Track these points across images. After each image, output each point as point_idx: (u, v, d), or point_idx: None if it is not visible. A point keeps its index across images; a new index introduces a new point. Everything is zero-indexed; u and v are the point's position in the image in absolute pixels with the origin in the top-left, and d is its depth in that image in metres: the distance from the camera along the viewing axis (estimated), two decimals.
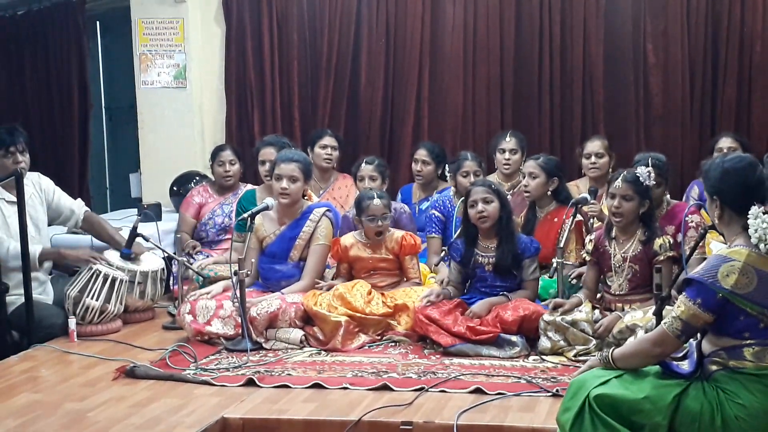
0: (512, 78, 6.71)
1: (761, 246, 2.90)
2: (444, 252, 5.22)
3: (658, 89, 6.47)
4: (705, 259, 3.35)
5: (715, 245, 4.65)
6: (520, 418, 3.53)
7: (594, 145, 5.78)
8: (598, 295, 4.54)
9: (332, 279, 5.08)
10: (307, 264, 4.97)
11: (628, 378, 3.01)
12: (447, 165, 5.83)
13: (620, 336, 4.14)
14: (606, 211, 4.71)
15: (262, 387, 3.99)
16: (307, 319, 4.72)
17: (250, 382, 4.03)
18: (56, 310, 4.98)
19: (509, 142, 5.91)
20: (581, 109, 6.61)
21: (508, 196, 5.44)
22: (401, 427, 3.53)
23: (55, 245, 5.36)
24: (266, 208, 4.96)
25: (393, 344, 4.64)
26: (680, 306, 2.95)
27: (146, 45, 7.12)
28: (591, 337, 4.30)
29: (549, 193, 5.20)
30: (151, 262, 5.27)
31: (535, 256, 4.71)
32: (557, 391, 3.75)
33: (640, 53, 6.48)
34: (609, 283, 4.46)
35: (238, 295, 4.55)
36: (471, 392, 3.82)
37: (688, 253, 3.64)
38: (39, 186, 5.23)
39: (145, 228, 5.36)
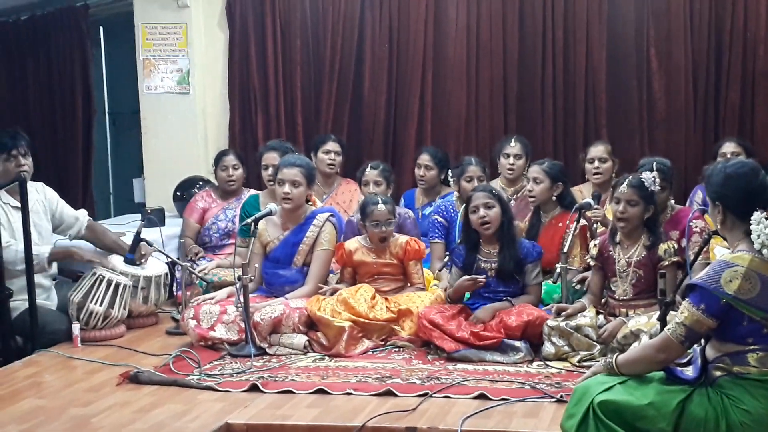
0: (515, 82, 6.71)
1: (764, 251, 2.90)
2: (447, 257, 5.22)
3: (661, 94, 6.47)
4: (709, 264, 3.35)
5: (719, 250, 4.64)
6: (524, 423, 3.52)
7: (597, 150, 5.78)
8: (603, 300, 4.53)
9: (336, 284, 5.08)
10: (311, 269, 4.98)
11: (632, 384, 3.01)
12: (450, 170, 5.83)
13: (624, 341, 4.14)
14: (610, 216, 4.71)
15: (265, 392, 3.99)
16: (311, 324, 4.72)
17: (253, 388, 4.03)
18: (60, 316, 4.98)
19: (514, 147, 5.91)
20: (584, 114, 6.60)
21: (512, 201, 5.46)
22: None
23: None
24: (270, 213, 4.97)
25: (397, 349, 4.64)
26: (684, 312, 2.95)
27: (149, 50, 7.13)
28: (595, 343, 4.30)
29: (553, 198, 5.20)
30: (154, 267, 5.28)
31: (537, 260, 4.71)
32: (561, 396, 3.74)
33: (643, 58, 6.48)
34: (613, 289, 4.45)
35: (242, 300, 4.55)
36: (475, 398, 3.82)
37: (692, 258, 3.64)
38: (44, 195, 5.25)
39: (148, 233, 5.37)
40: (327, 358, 4.54)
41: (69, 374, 4.38)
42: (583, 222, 4.98)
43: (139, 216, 6.35)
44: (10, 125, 6.28)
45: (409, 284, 5.05)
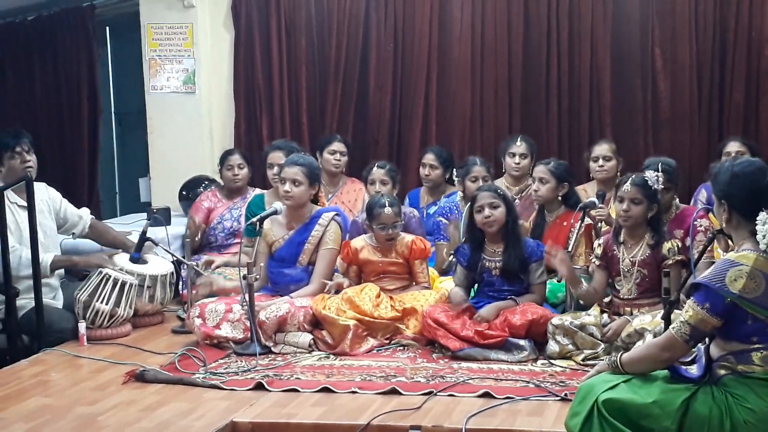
0: (520, 82, 6.72)
1: None
2: (451, 257, 5.23)
3: (665, 93, 6.47)
4: (713, 263, 3.35)
5: None
6: (529, 422, 3.52)
7: (601, 149, 5.79)
8: (607, 299, 4.53)
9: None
10: (316, 268, 4.99)
11: (636, 382, 3.01)
12: (455, 169, 5.84)
13: (629, 340, 4.14)
14: (614, 215, 4.71)
15: (271, 391, 3.99)
16: (316, 323, 4.73)
17: (259, 386, 4.03)
18: (66, 314, 4.99)
19: (520, 146, 5.92)
20: (589, 113, 6.61)
21: (517, 201, 5.46)
22: (410, 431, 3.53)
23: (65, 250, 5.40)
24: (275, 213, 4.98)
25: (401, 348, 4.64)
26: (688, 310, 2.95)
27: (155, 50, 7.15)
28: (599, 341, 4.30)
29: (558, 197, 5.20)
30: (160, 265, 5.29)
31: (541, 259, 4.71)
32: (566, 395, 3.74)
33: (648, 57, 6.48)
34: (618, 288, 4.45)
35: (248, 299, 4.56)
36: (479, 396, 3.82)
37: (696, 257, 3.64)
38: (47, 195, 5.26)
39: (154, 232, 5.38)
40: (332, 356, 4.54)
41: (75, 373, 4.39)
42: (587, 221, 4.99)
43: (145, 215, 6.37)
44: (17, 125, 6.32)
45: (414, 283, 5.05)
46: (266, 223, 4.96)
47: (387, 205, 4.94)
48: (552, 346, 4.36)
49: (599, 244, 4.55)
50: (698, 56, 6.39)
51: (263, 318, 4.62)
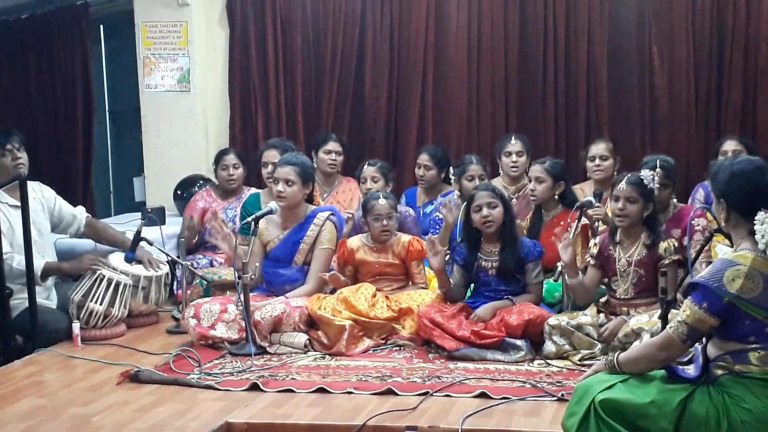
0: (516, 81, 6.70)
1: None
2: (447, 256, 5.21)
3: (663, 91, 6.46)
4: (710, 262, 3.34)
5: (720, 249, 4.64)
6: (525, 422, 3.51)
7: (598, 148, 5.77)
8: (604, 299, 4.53)
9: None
10: (311, 268, 4.97)
11: (633, 382, 3.00)
12: (452, 168, 5.82)
13: (625, 340, 4.13)
14: (611, 214, 4.70)
15: (266, 391, 3.98)
16: (312, 323, 4.72)
17: (254, 387, 4.02)
18: (60, 315, 4.97)
19: (515, 144, 5.91)
20: (586, 112, 6.60)
21: (513, 200, 5.46)
22: (406, 431, 3.52)
23: (59, 250, 5.36)
24: (270, 212, 4.96)
25: (397, 348, 4.63)
26: (686, 310, 2.94)
27: (150, 48, 7.13)
28: (596, 341, 4.30)
29: (555, 197, 5.19)
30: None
31: (538, 259, 4.71)
32: (562, 395, 3.73)
33: (645, 55, 6.47)
34: (614, 288, 4.44)
35: (243, 299, 4.55)
36: (476, 396, 3.81)
37: (693, 256, 3.63)
38: (41, 194, 5.24)
39: (148, 232, 5.36)
40: (328, 356, 4.53)
41: (69, 373, 4.38)
42: (584, 220, 4.98)
43: (139, 215, 6.35)
44: (11, 124, 6.30)
45: (411, 284, 5.04)
46: (261, 222, 4.95)
47: (382, 196, 4.95)
48: (549, 346, 4.35)
49: (595, 244, 4.54)
50: (695, 54, 6.38)
51: (258, 318, 4.61)
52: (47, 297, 5.06)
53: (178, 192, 6.70)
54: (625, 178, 4.38)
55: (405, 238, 5.04)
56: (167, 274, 5.30)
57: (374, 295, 4.80)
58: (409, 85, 6.89)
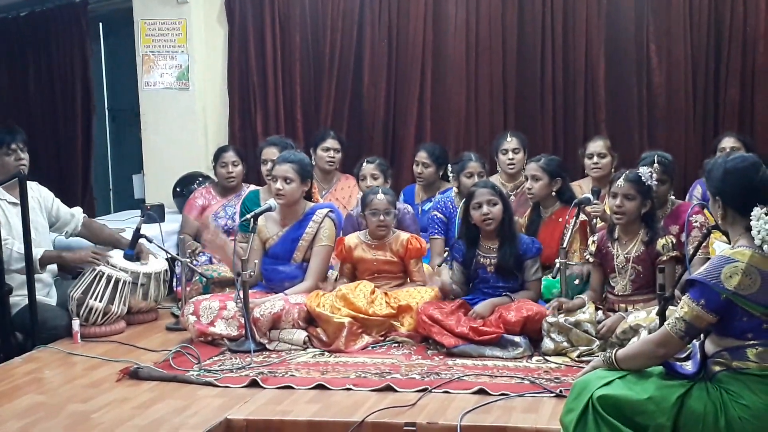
0: (514, 78, 6.71)
1: (765, 247, 2.89)
2: (446, 253, 5.22)
3: (660, 89, 6.46)
4: (708, 259, 3.35)
5: (718, 245, 4.65)
6: (524, 419, 3.52)
7: (596, 146, 5.78)
8: (602, 296, 4.53)
9: (335, 280, 5.08)
10: (311, 265, 4.98)
11: (631, 379, 3.01)
12: (450, 165, 5.83)
13: (623, 336, 4.14)
14: (609, 211, 4.71)
15: (265, 388, 3.99)
16: (311, 320, 4.72)
17: (253, 383, 4.03)
18: (60, 312, 4.98)
19: (511, 141, 5.92)
20: (584, 110, 6.60)
21: (512, 197, 5.46)
22: (404, 428, 3.53)
23: (57, 248, 5.37)
24: (269, 209, 4.97)
25: (396, 345, 4.64)
26: (683, 307, 2.95)
27: (149, 46, 7.13)
28: (594, 338, 4.30)
29: (553, 193, 5.20)
30: (154, 263, 5.28)
31: (536, 256, 4.72)
32: (561, 391, 3.74)
33: (643, 53, 6.48)
34: (612, 284, 4.45)
35: (242, 296, 4.55)
36: (474, 393, 3.82)
37: (691, 253, 3.64)
38: (39, 193, 5.25)
39: (148, 229, 5.37)
40: (327, 353, 4.54)
41: (69, 370, 4.38)
42: (582, 217, 4.99)
43: (138, 212, 6.36)
44: (10, 122, 6.29)
45: (409, 281, 5.05)
46: (260, 219, 4.95)
47: (380, 192, 4.97)
48: (547, 343, 4.36)
49: (593, 241, 4.55)
50: (693, 52, 6.39)
51: (258, 315, 4.61)
52: (47, 294, 5.07)
53: (178, 189, 6.71)
54: (624, 175, 4.39)
55: (403, 235, 5.04)
56: (166, 270, 5.31)
57: (373, 292, 4.80)
58: (408, 83, 6.90)
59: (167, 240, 5.70)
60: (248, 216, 4.88)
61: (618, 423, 2.90)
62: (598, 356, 3.58)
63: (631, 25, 6.52)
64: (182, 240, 5.85)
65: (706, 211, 4.63)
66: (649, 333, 3.68)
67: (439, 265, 5.36)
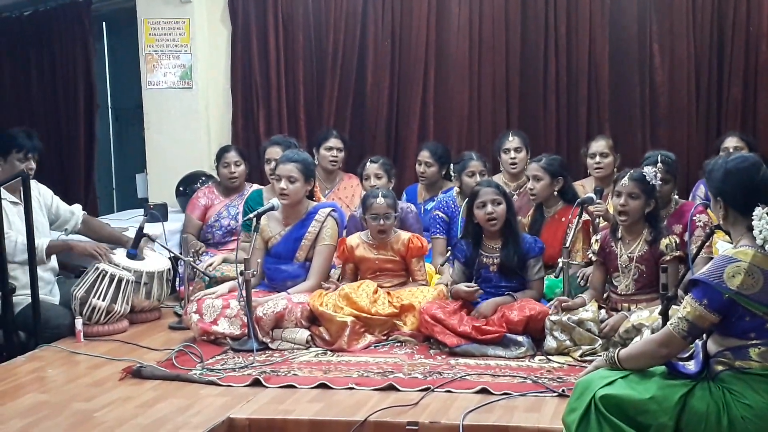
0: (518, 78, 6.70)
1: (767, 247, 2.89)
2: (449, 252, 5.22)
3: (663, 88, 6.45)
4: (711, 259, 3.35)
5: (721, 245, 4.65)
6: (526, 418, 3.53)
7: (599, 145, 5.78)
8: (605, 295, 4.53)
9: (338, 280, 5.09)
10: (313, 264, 4.98)
11: (634, 378, 3.01)
12: (452, 165, 5.83)
13: (626, 335, 4.14)
14: (612, 211, 4.70)
15: (268, 387, 3.99)
16: (313, 319, 4.73)
17: (256, 383, 4.04)
18: (63, 311, 4.99)
19: (512, 141, 5.92)
20: (587, 109, 6.60)
21: (515, 196, 5.46)
22: (407, 427, 3.53)
23: None
24: (272, 209, 4.97)
25: (399, 344, 4.64)
26: (686, 307, 2.94)
27: (152, 45, 7.13)
28: (597, 337, 4.30)
29: (555, 193, 5.20)
30: (157, 262, 5.28)
31: (539, 256, 4.72)
32: (563, 391, 3.74)
33: (646, 53, 6.47)
34: (615, 284, 4.45)
35: (244, 295, 4.56)
36: (477, 392, 3.82)
37: (694, 252, 3.64)
38: (38, 191, 5.27)
39: (151, 228, 5.38)
40: (329, 352, 4.55)
41: (72, 369, 4.39)
42: (585, 217, 4.98)
43: (141, 211, 6.36)
44: (13, 121, 6.30)
45: (411, 280, 5.05)
46: (263, 219, 4.96)
47: (381, 195, 4.95)
48: (549, 342, 4.36)
49: (596, 240, 4.55)
50: (696, 52, 6.38)
51: (260, 314, 4.62)
52: (50, 293, 5.07)
53: (181, 188, 6.71)
54: (628, 174, 4.38)
55: (405, 235, 5.04)
56: (169, 270, 5.32)
57: (375, 292, 4.81)
58: (410, 83, 6.89)
59: (170, 239, 5.71)
60: (251, 215, 4.88)
61: (620, 422, 2.90)
62: (600, 356, 3.60)
63: (634, 24, 6.51)
64: (185, 239, 5.87)
65: (709, 210, 4.63)
66: (652, 332, 3.68)
67: (442, 265, 5.36)
